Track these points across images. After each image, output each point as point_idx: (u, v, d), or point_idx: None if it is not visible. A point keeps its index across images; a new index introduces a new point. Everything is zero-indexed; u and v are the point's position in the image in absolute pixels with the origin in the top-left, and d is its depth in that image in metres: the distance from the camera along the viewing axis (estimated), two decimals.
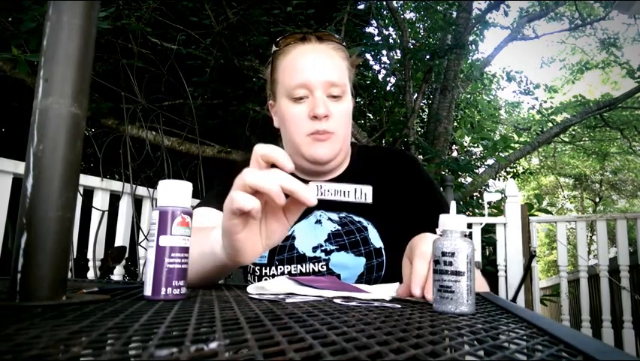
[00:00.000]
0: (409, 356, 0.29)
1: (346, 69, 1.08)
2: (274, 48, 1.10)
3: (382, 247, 1.04)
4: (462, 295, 0.54)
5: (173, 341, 0.31)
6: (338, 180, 1.12)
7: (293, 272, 1.03)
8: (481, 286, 0.93)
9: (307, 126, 1.02)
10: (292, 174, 1.15)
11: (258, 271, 1.06)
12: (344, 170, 1.14)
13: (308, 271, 1.03)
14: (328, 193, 0.79)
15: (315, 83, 1.01)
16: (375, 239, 1.04)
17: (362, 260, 1.02)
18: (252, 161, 0.71)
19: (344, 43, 1.11)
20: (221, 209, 1.05)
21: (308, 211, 1.08)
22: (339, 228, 1.05)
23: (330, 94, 1.03)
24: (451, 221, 0.58)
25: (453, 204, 0.62)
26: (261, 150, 0.69)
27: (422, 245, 0.70)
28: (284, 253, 1.05)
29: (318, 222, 1.07)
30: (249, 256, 0.72)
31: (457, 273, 0.55)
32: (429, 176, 1.17)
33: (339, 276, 1.02)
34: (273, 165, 0.69)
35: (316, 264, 1.03)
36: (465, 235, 0.58)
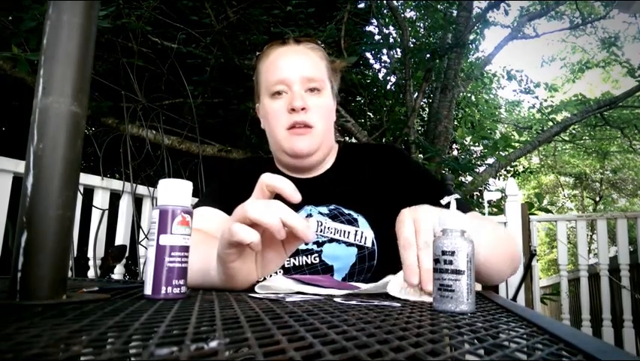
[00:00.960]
0: (409, 354, 0.29)
1: (324, 68, 1.13)
2: (257, 53, 1.17)
3: (373, 236, 1.05)
4: (462, 294, 0.54)
5: (173, 340, 0.31)
6: (323, 177, 1.15)
7: (286, 265, 1.05)
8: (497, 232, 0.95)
9: (285, 119, 1.06)
10: (279, 172, 1.16)
11: None
12: (329, 167, 1.16)
13: (301, 263, 1.04)
14: (328, 231, 0.79)
15: (292, 78, 1.06)
16: (366, 229, 1.05)
17: (354, 250, 1.04)
18: (256, 189, 0.71)
19: (323, 45, 1.18)
20: (219, 208, 1.07)
21: (298, 207, 1.09)
22: (330, 220, 1.07)
23: (308, 88, 1.07)
24: (451, 220, 0.58)
25: (453, 202, 0.61)
26: (267, 180, 0.69)
27: (404, 229, 0.69)
28: None
29: (309, 216, 1.08)
30: (241, 283, 0.73)
31: (457, 272, 0.55)
32: (417, 163, 1.19)
33: (331, 267, 1.03)
34: (277, 195, 0.69)
35: (309, 256, 1.04)
36: (464, 233, 0.58)
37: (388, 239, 1.03)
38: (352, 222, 1.06)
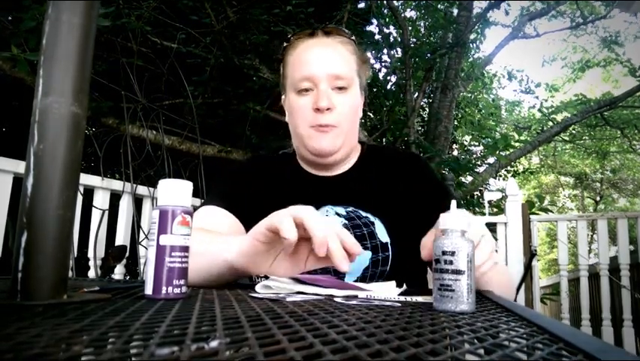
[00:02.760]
0: (410, 354, 0.29)
1: (354, 63, 1.09)
2: (285, 44, 1.13)
3: (389, 241, 1.04)
4: (462, 294, 0.54)
5: (174, 340, 0.31)
6: (344, 176, 1.13)
7: None
8: (504, 280, 0.93)
9: (310, 118, 1.04)
10: (300, 168, 1.16)
11: None
12: (351, 166, 1.15)
13: None
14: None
15: (319, 76, 1.03)
16: (382, 234, 1.05)
17: (368, 254, 1.03)
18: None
19: (353, 38, 1.12)
20: (227, 208, 1.06)
21: (315, 206, 1.09)
22: (346, 222, 1.06)
23: (335, 86, 1.04)
24: (452, 220, 0.58)
25: (453, 203, 0.62)
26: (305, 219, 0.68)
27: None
28: None
29: (326, 216, 1.07)
30: (246, 264, 0.74)
31: (457, 272, 0.55)
32: (437, 178, 1.18)
33: None
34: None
35: None
36: (465, 234, 0.58)
37: (403, 246, 1.03)
38: (369, 225, 1.05)
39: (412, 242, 1.00)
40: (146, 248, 1.41)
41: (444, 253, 0.56)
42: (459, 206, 0.63)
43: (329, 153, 1.06)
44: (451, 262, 0.56)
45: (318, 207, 1.08)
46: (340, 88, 1.04)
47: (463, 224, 0.58)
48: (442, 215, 0.59)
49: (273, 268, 0.75)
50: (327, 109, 1.02)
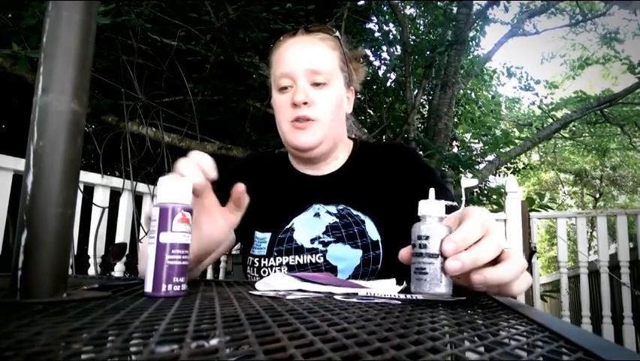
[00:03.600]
0: (410, 352, 0.29)
1: (336, 58, 1.10)
2: (271, 46, 1.15)
3: (379, 239, 1.04)
4: (436, 277, 0.57)
5: (173, 338, 0.31)
6: (334, 175, 1.13)
7: (291, 263, 1.04)
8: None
9: (289, 114, 1.05)
10: (291, 166, 1.16)
11: (257, 263, 1.07)
12: (342, 164, 1.15)
13: (305, 262, 1.04)
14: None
15: (296, 72, 1.05)
16: (373, 232, 1.05)
17: (359, 252, 1.03)
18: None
19: (337, 34, 1.13)
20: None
21: (307, 205, 1.10)
22: (337, 220, 1.06)
23: (313, 82, 1.05)
24: (428, 206, 0.60)
25: (432, 191, 0.63)
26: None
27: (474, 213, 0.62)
28: (282, 245, 1.06)
29: (317, 215, 1.08)
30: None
31: (431, 255, 0.57)
32: (429, 167, 1.17)
33: (335, 268, 1.02)
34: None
35: (314, 255, 1.04)
36: (442, 221, 0.59)
37: (394, 243, 1.03)
38: (359, 223, 1.06)
39: (402, 239, 1.00)
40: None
41: (419, 237, 0.58)
42: (459, 203, 0.63)
43: (309, 147, 1.06)
44: (425, 246, 0.57)
45: (308, 206, 1.09)
46: (318, 84, 1.05)
47: (439, 211, 0.60)
48: (420, 202, 0.61)
49: (208, 228, 0.78)
50: (305, 103, 1.03)
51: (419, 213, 0.60)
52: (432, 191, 0.63)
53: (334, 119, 1.09)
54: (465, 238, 0.56)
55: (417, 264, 0.58)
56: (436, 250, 0.57)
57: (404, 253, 0.62)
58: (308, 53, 1.07)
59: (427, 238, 0.57)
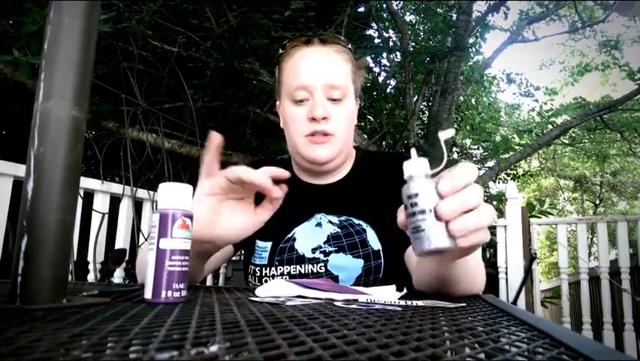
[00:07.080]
0: (410, 358, 0.29)
1: (350, 72, 1.08)
2: (280, 50, 1.12)
3: (381, 249, 1.04)
4: (433, 231, 0.56)
5: (173, 344, 0.31)
6: (338, 185, 1.13)
7: (292, 273, 1.04)
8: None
9: (305, 127, 1.03)
10: (295, 175, 1.16)
11: (258, 272, 1.07)
12: (346, 174, 1.15)
13: (307, 272, 1.03)
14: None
15: (314, 86, 1.02)
16: (374, 241, 1.05)
17: (360, 262, 1.03)
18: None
19: (349, 46, 1.11)
20: None
21: (309, 214, 1.09)
22: (339, 230, 1.06)
23: (330, 97, 1.04)
24: (412, 166, 0.59)
25: (413, 151, 0.62)
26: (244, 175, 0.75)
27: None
28: (284, 254, 1.06)
29: (319, 224, 1.08)
30: (202, 227, 0.74)
31: (423, 211, 0.56)
32: None
33: (337, 277, 1.02)
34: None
35: (315, 265, 1.03)
36: (428, 177, 0.59)
37: (395, 253, 1.03)
38: (361, 233, 1.05)
39: (403, 249, 1.00)
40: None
41: (409, 197, 0.58)
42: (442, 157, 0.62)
43: (325, 161, 1.06)
44: (416, 204, 0.57)
45: (311, 215, 1.09)
46: (335, 99, 1.04)
47: (424, 168, 0.59)
48: (404, 163, 0.60)
49: (228, 225, 0.77)
50: (323, 118, 1.02)
51: (405, 176, 0.60)
52: (413, 150, 0.62)
53: (348, 134, 1.08)
54: (454, 177, 0.57)
55: (412, 224, 0.58)
56: (427, 204, 0.56)
57: (400, 217, 0.62)
58: (326, 67, 1.04)
59: (416, 195, 0.57)
